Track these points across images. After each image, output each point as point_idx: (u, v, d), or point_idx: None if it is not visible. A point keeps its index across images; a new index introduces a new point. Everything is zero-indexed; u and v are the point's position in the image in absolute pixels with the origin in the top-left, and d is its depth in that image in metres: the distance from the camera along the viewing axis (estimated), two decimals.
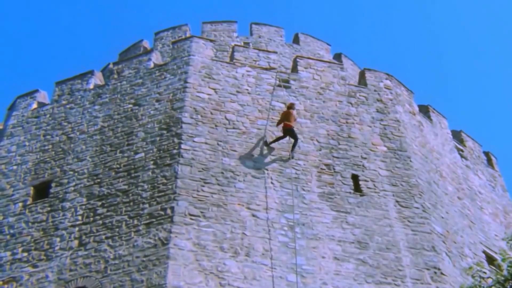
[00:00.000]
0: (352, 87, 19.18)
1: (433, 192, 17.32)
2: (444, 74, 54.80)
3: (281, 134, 16.60)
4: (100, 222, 14.89)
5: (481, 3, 55.40)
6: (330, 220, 15.25)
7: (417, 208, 16.17)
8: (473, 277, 12.63)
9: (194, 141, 16.04)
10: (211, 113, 16.91)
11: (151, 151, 16.04)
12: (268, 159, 16.17)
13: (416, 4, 56.46)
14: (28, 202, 16.22)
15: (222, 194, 15.05)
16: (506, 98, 53.00)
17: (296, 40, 26.63)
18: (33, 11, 54.74)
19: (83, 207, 15.43)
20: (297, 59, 19.54)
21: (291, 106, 16.91)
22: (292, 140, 16.57)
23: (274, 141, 16.53)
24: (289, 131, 16.43)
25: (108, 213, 15.00)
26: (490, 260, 17.37)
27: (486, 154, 22.68)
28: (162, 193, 14.85)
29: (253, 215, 14.82)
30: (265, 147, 16.44)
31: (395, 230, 15.46)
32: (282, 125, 16.60)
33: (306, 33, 27.10)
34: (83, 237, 14.73)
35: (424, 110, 20.98)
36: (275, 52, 19.96)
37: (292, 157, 16.33)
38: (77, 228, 15.00)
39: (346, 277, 14.21)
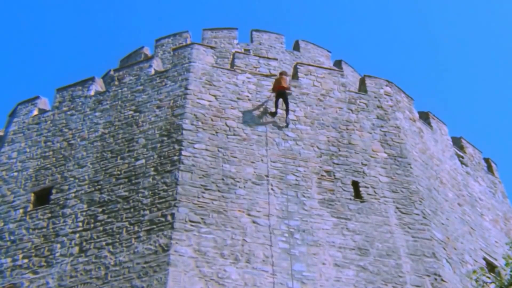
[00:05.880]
0: (352, 93, 19.22)
1: (433, 198, 17.33)
2: (444, 81, 54.90)
3: (274, 99, 17.72)
4: (101, 228, 14.90)
5: (481, 10, 55.55)
6: (330, 227, 15.25)
7: (417, 214, 16.17)
8: (476, 281, 12.66)
9: (194, 148, 16.07)
10: (212, 120, 16.94)
11: (151, 157, 16.07)
12: (269, 165, 16.19)
13: (416, 11, 56.62)
14: (29, 209, 16.22)
15: (222, 200, 15.06)
16: (506, 104, 53.07)
17: (296, 47, 26.68)
18: (34, 18, 54.90)
19: (84, 213, 15.44)
20: (298, 66, 19.59)
21: (283, 73, 17.94)
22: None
23: (276, 109, 17.55)
24: (281, 94, 17.46)
25: (109, 220, 15.01)
26: (490, 267, 17.37)
27: (486, 160, 22.69)
28: (163, 200, 14.86)
29: (254, 222, 14.83)
30: (268, 115, 17.45)
31: (395, 236, 15.46)
32: (276, 89, 17.66)
33: (306, 40, 27.17)
34: (84, 243, 14.74)
35: (424, 116, 21.01)
36: (276, 59, 20.00)
37: (288, 124, 17.31)
38: (77, 235, 15.01)
39: (346, 284, 14.20)
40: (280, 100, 17.72)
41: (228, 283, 13.47)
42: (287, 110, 17.54)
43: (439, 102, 50.57)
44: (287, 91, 17.63)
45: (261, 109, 17.67)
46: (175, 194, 14.85)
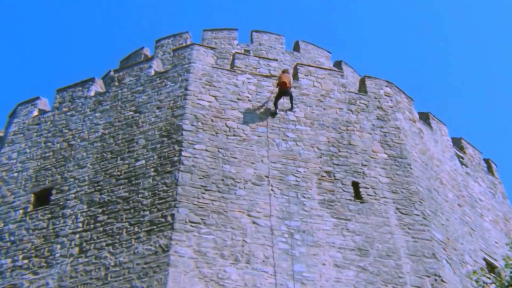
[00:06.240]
0: (352, 94, 19.22)
1: (433, 199, 17.33)
2: (444, 82, 54.92)
3: (275, 97, 17.78)
4: (101, 229, 14.90)
5: (479, 10, 55.58)
6: (330, 227, 15.25)
7: (417, 215, 16.17)
8: (476, 282, 12.66)
9: (194, 148, 16.07)
10: (212, 120, 16.95)
11: (151, 158, 16.06)
12: (269, 166, 16.19)
13: (416, 12, 56.64)
14: (29, 209, 16.22)
15: (222, 201, 15.06)
16: (506, 105, 53.08)
17: (296, 48, 26.69)
18: (34, 19, 54.92)
19: (84, 214, 15.44)
20: (298, 67, 19.59)
21: (285, 71, 18.13)
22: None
23: (276, 108, 17.70)
24: (283, 92, 17.65)
25: (109, 220, 15.01)
26: (491, 267, 17.37)
27: (486, 161, 22.68)
28: (163, 200, 14.86)
29: (254, 222, 14.83)
30: (270, 116, 17.52)
31: (395, 237, 15.46)
32: (278, 87, 17.81)
33: (306, 41, 27.18)
34: (84, 244, 14.74)
35: (424, 117, 21.01)
36: (276, 60, 20.00)
37: (292, 108, 17.83)
38: (77, 235, 15.01)
39: (346, 284, 14.20)
40: (280, 100, 17.73)
41: (228, 284, 13.47)
42: (291, 98, 17.84)
43: (439, 103, 50.61)
44: (289, 91, 17.63)
45: (261, 110, 17.67)
46: (175, 194, 14.85)
